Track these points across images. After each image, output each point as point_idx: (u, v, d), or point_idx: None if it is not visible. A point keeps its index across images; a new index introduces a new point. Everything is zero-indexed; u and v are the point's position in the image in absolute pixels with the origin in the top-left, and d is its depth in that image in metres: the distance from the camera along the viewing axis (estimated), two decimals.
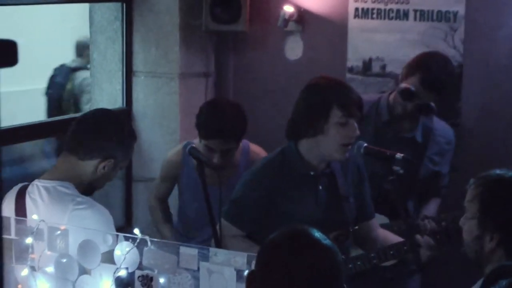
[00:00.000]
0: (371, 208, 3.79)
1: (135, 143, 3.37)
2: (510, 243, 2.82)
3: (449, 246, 3.53)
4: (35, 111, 6.06)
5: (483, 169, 3.02)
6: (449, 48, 4.89)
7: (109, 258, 2.83)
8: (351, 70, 5.12)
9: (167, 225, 4.53)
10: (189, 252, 2.74)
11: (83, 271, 2.90)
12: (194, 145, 3.65)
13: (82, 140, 3.17)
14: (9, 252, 2.99)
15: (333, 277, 2.13)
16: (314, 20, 5.16)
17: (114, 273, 2.81)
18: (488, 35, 4.83)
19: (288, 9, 5.08)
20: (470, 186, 2.90)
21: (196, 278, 2.74)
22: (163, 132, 5.19)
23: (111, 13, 5.20)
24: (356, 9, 5.08)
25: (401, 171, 3.45)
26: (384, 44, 5.03)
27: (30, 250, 2.98)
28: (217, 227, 3.45)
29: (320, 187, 3.58)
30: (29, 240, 2.98)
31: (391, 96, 4.37)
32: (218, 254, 2.72)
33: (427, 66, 4.22)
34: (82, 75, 6.99)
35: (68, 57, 6.97)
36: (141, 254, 2.76)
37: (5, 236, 2.95)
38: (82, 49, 6.93)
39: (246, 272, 2.60)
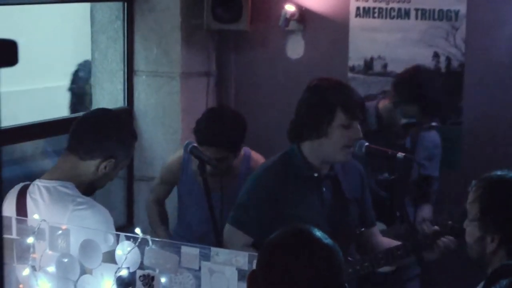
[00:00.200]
0: (372, 216, 3.78)
1: (136, 142, 3.37)
2: (511, 244, 2.81)
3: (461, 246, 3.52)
4: (36, 111, 6.05)
5: (484, 168, 3.02)
6: (451, 47, 4.89)
7: (110, 258, 2.83)
8: (352, 69, 5.12)
9: (163, 227, 4.55)
10: (190, 252, 2.73)
11: (84, 270, 2.90)
12: (195, 145, 3.64)
13: (82, 140, 3.17)
14: (11, 252, 2.99)
15: (334, 276, 2.13)
16: (316, 19, 5.15)
17: (116, 272, 2.81)
18: (489, 34, 4.82)
19: (290, 8, 5.07)
20: (472, 188, 2.89)
21: (198, 278, 2.74)
22: (165, 131, 5.19)
23: (112, 12, 5.20)
24: (358, 8, 5.08)
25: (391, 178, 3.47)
26: (385, 43, 5.03)
27: (31, 249, 2.98)
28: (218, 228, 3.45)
29: (324, 189, 3.57)
30: (30, 240, 2.97)
31: (380, 105, 4.36)
32: (220, 254, 2.71)
33: (425, 94, 4.22)
34: None
35: (68, 56, 6.97)
36: (142, 253, 2.76)
37: (6, 235, 2.95)
38: None
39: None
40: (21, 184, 3.21)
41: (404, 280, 4.31)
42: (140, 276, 2.77)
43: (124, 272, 2.80)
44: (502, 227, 2.81)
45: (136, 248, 2.76)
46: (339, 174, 3.61)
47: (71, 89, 6.91)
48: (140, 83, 5.23)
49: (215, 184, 3.58)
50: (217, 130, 4.10)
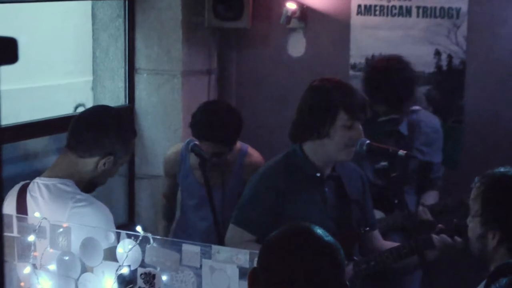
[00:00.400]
0: (374, 219, 3.78)
1: (135, 139, 3.36)
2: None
3: (463, 244, 3.52)
4: (37, 109, 6.05)
5: (485, 166, 3.02)
6: (452, 45, 4.89)
7: (111, 255, 2.83)
8: (353, 67, 5.12)
9: (163, 222, 4.61)
10: (191, 250, 2.73)
11: (85, 268, 2.90)
12: (197, 142, 3.65)
13: (81, 137, 3.17)
14: (12, 250, 2.99)
15: (335, 273, 2.13)
16: (317, 17, 5.15)
17: (117, 270, 2.81)
18: (491, 32, 4.82)
19: (291, 6, 5.07)
20: (475, 185, 2.90)
21: (199, 276, 2.74)
22: (166, 129, 5.19)
23: (114, 10, 5.20)
24: (359, 6, 5.07)
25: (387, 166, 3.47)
26: (387, 40, 5.02)
27: (32, 248, 2.98)
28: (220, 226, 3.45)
29: (327, 189, 3.56)
30: (31, 238, 2.97)
31: None
32: (221, 252, 2.71)
33: (384, 91, 4.32)
34: None
35: (69, 54, 6.96)
36: (143, 251, 2.76)
37: (7, 234, 2.95)
38: None
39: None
40: (21, 183, 3.21)
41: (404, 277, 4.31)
42: (141, 274, 2.77)
43: (125, 270, 2.80)
44: (503, 223, 2.81)
45: (137, 246, 2.76)
46: (342, 174, 3.61)
47: None
48: (141, 81, 5.23)
49: (214, 180, 3.59)
50: (213, 125, 4.12)
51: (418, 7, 4.95)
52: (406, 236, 4.12)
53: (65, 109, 5.92)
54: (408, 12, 4.98)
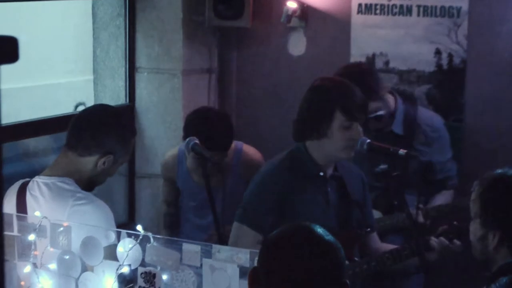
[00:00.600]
0: (373, 221, 3.78)
1: (135, 138, 3.36)
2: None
3: (462, 247, 3.51)
4: (38, 107, 6.04)
5: (486, 165, 3.02)
6: (453, 44, 4.88)
7: (111, 253, 2.82)
8: None
9: (164, 231, 4.53)
10: (192, 249, 2.73)
11: (86, 268, 2.90)
12: (197, 141, 3.63)
13: (81, 136, 3.17)
14: (12, 249, 2.99)
15: (336, 273, 2.13)
16: (317, 15, 5.15)
17: (117, 270, 2.81)
18: (491, 31, 4.81)
19: (291, 4, 5.07)
20: (475, 187, 2.90)
21: (199, 275, 2.74)
22: (166, 128, 5.19)
23: (114, 9, 5.20)
24: (359, 5, 5.07)
25: (387, 168, 3.45)
26: (387, 39, 5.02)
27: (32, 247, 2.98)
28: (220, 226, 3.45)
29: (329, 189, 3.56)
30: (31, 237, 2.97)
31: None
32: (221, 251, 2.71)
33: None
34: None
35: (70, 53, 6.96)
36: (144, 250, 2.76)
37: (8, 233, 2.95)
38: None
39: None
40: (21, 181, 3.21)
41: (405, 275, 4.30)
42: (141, 273, 2.77)
43: (125, 269, 2.80)
44: (503, 223, 2.81)
45: (138, 245, 2.76)
46: (344, 175, 3.61)
47: None
48: (141, 80, 5.23)
49: (213, 180, 3.58)
50: (207, 136, 4.01)
51: (418, 6, 4.95)
52: (406, 238, 4.11)
53: (65, 108, 5.92)
54: (408, 11, 4.98)
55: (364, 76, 4.20)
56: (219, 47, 5.38)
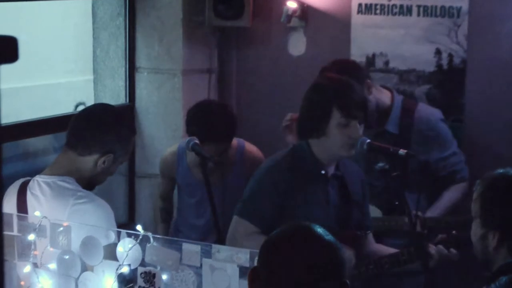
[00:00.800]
0: (371, 222, 3.78)
1: (134, 137, 3.37)
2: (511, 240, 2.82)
3: (459, 256, 3.52)
4: (38, 107, 6.04)
5: (486, 165, 3.02)
6: (453, 44, 4.88)
7: (111, 252, 2.82)
8: None
9: (162, 224, 4.60)
10: (191, 249, 2.73)
11: (86, 267, 2.90)
12: (197, 141, 3.64)
13: (81, 135, 3.17)
14: (12, 249, 2.99)
15: (335, 272, 2.13)
16: (317, 15, 5.15)
17: (117, 269, 2.81)
18: (491, 30, 4.81)
19: (291, 4, 5.07)
20: (475, 188, 2.90)
21: (199, 275, 2.74)
22: (166, 128, 5.19)
23: (114, 9, 5.20)
24: (360, 5, 5.07)
25: (387, 167, 3.44)
26: (387, 39, 5.02)
27: (32, 246, 2.98)
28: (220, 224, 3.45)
29: (330, 189, 3.56)
30: (31, 237, 2.97)
31: None
32: (221, 251, 2.71)
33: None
34: None
35: (70, 53, 6.96)
36: (143, 250, 2.76)
37: (7, 232, 2.95)
38: None
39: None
40: (21, 180, 3.21)
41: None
42: (141, 273, 2.77)
43: (125, 269, 2.80)
44: (502, 223, 2.81)
45: (138, 245, 2.76)
46: (345, 175, 3.61)
47: None
48: (141, 80, 5.23)
49: (213, 178, 3.59)
50: (213, 126, 4.09)
51: (418, 6, 4.95)
52: (405, 243, 4.09)
53: (65, 108, 5.91)
54: (408, 11, 4.98)
55: (347, 71, 4.10)
56: (219, 47, 5.38)
